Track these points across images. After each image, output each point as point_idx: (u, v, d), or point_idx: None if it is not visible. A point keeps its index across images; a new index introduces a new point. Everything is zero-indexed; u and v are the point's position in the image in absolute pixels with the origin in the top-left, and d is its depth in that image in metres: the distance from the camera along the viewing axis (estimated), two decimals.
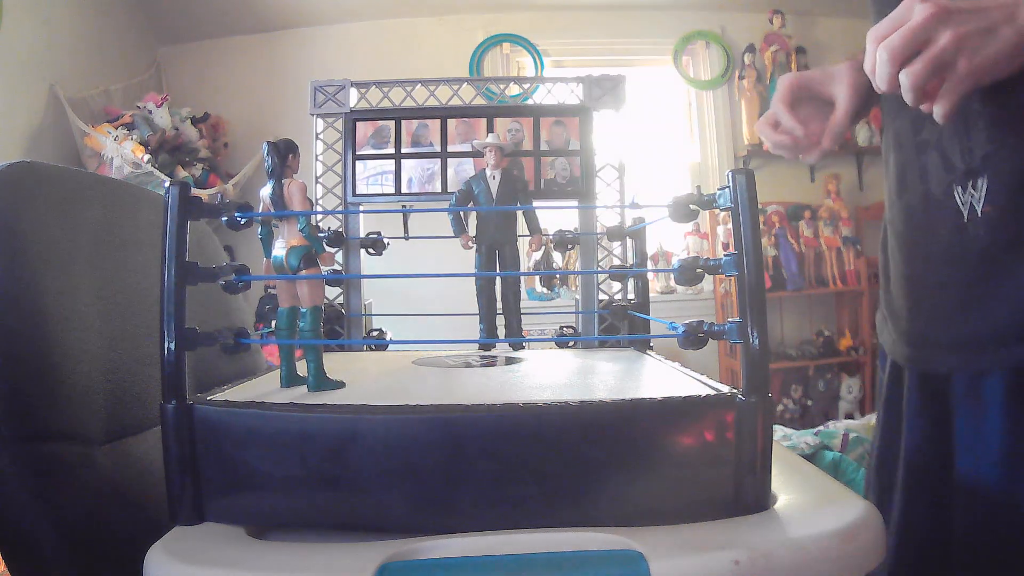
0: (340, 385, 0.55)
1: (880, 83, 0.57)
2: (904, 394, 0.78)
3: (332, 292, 0.93)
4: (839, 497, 0.48)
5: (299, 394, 0.54)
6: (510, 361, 0.72)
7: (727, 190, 0.48)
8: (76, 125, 2.31)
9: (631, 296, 0.88)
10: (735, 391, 0.48)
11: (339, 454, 0.46)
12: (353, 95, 0.93)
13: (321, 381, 0.55)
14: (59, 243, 0.66)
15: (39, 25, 2.28)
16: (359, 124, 0.92)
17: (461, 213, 0.80)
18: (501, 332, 0.80)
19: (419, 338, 1.06)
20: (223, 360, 0.86)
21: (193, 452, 0.47)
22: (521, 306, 0.81)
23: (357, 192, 0.92)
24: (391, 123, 0.92)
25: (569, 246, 0.86)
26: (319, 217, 0.89)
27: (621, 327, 0.87)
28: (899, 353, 0.79)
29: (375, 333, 0.92)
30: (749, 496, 0.46)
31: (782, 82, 0.76)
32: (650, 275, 2.22)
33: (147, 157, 2.31)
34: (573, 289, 2.93)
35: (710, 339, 0.49)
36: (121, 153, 2.27)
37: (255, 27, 3.07)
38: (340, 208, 0.91)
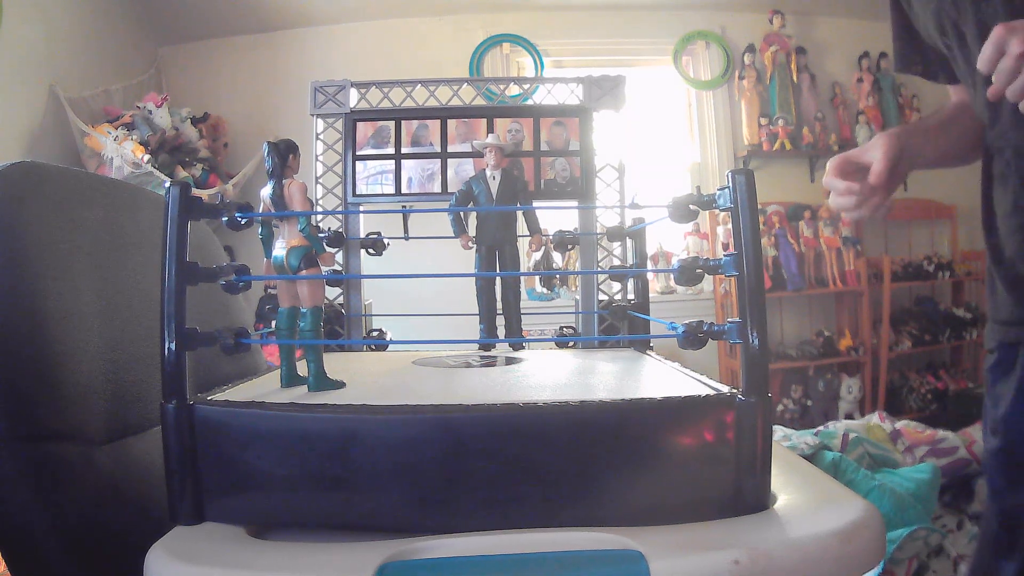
0: (340, 385, 0.55)
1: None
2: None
3: (332, 292, 0.93)
4: (839, 497, 0.48)
5: (299, 394, 0.54)
6: (510, 361, 0.72)
7: (727, 190, 0.48)
8: (76, 125, 2.31)
9: (631, 296, 0.88)
10: (735, 391, 0.48)
11: (339, 454, 0.46)
12: (353, 95, 0.93)
13: (321, 381, 0.55)
14: (59, 243, 0.65)
15: (39, 25, 2.28)
16: (359, 124, 0.92)
17: (461, 213, 0.80)
18: (501, 332, 0.80)
19: (419, 338, 1.06)
20: (223, 360, 0.86)
21: (193, 452, 0.47)
22: (521, 306, 0.81)
23: (357, 192, 0.92)
24: (391, 123, 0.92)
25: (569, 246, 0.86)
26: (319, 217, 0.89)
27: (621, 327, 0.87)
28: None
29: (375, 333, 0.92)
30: (749, 496, 0.46)
31: (829, 164, 0.87)
32: (650, 275, 2.22)
33: (147, 157, 2.31)
34: (573, 289, 2.93)
35: (710, 339, 0.49)
36: (121, 153, 2.26)
37: (255, 27, 3.07)
38: (340, 208, 0.91)
